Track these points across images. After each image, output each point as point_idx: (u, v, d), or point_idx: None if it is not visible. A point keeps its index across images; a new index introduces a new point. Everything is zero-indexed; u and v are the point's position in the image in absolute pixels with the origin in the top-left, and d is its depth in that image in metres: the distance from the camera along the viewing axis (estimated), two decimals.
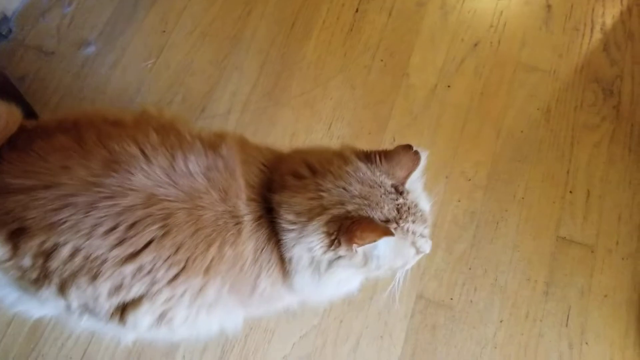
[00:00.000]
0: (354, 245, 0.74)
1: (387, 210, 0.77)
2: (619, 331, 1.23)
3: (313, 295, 0.90)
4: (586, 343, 1.22)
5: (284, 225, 0.79)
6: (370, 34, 1.58)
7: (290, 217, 0.78)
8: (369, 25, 1.59)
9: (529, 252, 1.31)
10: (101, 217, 0.74)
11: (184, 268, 0.76)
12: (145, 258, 0.75)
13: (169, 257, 0.76)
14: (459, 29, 1.57)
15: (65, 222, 0.73)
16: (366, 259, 0.79)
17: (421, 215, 0.81)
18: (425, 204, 0.83)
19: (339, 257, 0.78)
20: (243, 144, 0.89)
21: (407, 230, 0.79)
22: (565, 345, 1.22)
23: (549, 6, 1.62)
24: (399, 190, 0.79)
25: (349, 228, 0.74)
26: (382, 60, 1.53)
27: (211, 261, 0.78)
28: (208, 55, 1.53)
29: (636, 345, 1.21)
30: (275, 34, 1.57)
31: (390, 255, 0.80)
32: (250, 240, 0.81)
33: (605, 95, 1.49)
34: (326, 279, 0.81)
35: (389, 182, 0.79)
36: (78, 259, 0.74)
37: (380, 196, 0.78)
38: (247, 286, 0.84)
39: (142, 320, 0.79)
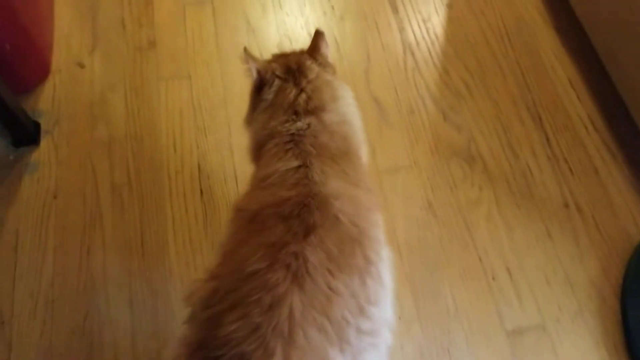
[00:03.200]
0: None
1: None
2: None
3: None
4: None
5: None
6: (228, 210, 1.44)
7: None
8: (222, 201, 1.45)
9: None
10: None
11: None
12: None
13: None
14: None
15: None
16: None
17: None
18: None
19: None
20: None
21: None
22: None
23: (376, 100, 1.61)
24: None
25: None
26: None
27: None
28: (66, 324, 1.29)
29: None
30: (127, 260, 1.37)
31: None
32: None
33: (469, 164, 1.49)
34: None
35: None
36: None
37: None
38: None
39: None
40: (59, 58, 1.68)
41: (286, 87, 1.01)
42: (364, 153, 1.04)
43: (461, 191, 1.45)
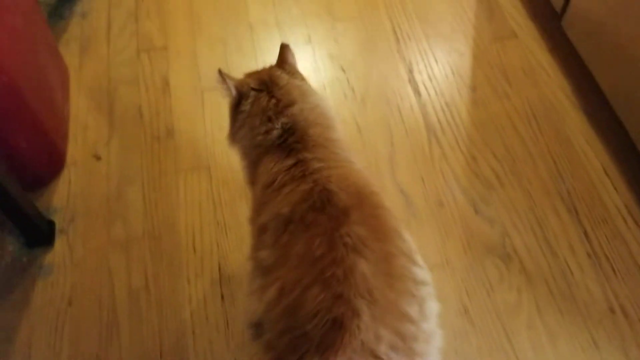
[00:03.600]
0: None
1: None
2: None
3: None
4: None
5: None
6: None
7: None
8: (240, 306, 1.37)
9: None
10: None
11: None
12: None
13: None
14: None
15: None
16: None
17: None
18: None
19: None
20: None
21: None
22: None
23: (402, 191, 1.55)
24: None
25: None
26: None
27: None
28: None
29: None
30: None
31: None
32: None
33: (506, 263, 1.41)
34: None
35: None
36: None
37: None
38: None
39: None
40: (74, 150, 1.64)
41: (261, 96, 1.09)
42: (339, 127, 1.14)
43: (499, 294, 1.37)
